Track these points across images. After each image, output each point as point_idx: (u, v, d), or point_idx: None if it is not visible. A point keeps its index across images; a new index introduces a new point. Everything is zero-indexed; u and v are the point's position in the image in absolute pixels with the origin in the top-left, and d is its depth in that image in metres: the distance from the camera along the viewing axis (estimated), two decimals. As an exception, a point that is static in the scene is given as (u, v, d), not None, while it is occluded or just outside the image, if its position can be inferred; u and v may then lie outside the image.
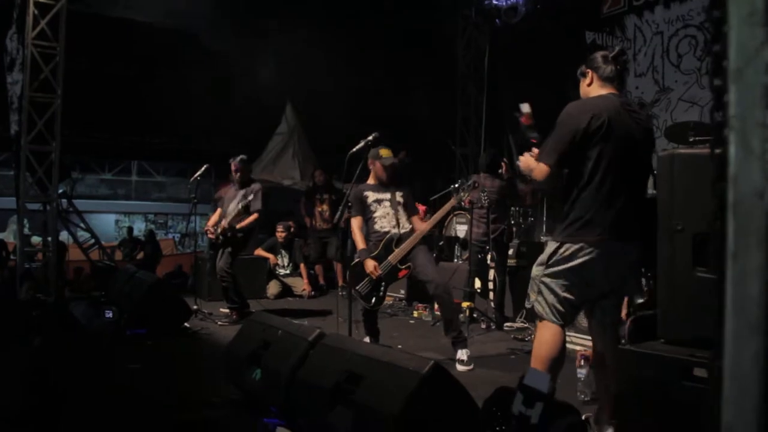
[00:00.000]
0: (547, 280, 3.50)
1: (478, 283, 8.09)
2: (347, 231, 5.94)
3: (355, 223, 5.95)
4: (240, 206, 7.57)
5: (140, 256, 13.52)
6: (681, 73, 9.64)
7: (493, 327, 7.68)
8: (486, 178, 7.68)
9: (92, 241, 10.85)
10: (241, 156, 8.06)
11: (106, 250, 11.75)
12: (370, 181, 6.09)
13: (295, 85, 12.58)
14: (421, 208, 9.27)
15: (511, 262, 8.12)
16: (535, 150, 3.59)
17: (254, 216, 7.76)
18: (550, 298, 3.50)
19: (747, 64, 0.75)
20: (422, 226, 5.90)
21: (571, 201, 3.43)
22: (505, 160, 8.20)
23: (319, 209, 10.77)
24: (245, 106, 12.48)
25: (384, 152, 5.97)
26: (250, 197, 7.63)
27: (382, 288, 5.84)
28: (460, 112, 13.07)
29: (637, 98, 10.27)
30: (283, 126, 13.20)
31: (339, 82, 11.95)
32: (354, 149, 5.38)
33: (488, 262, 7.97)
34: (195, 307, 7.99)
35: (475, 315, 7.80)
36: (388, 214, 5.92)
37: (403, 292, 9.73)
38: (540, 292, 3.53)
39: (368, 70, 12.11)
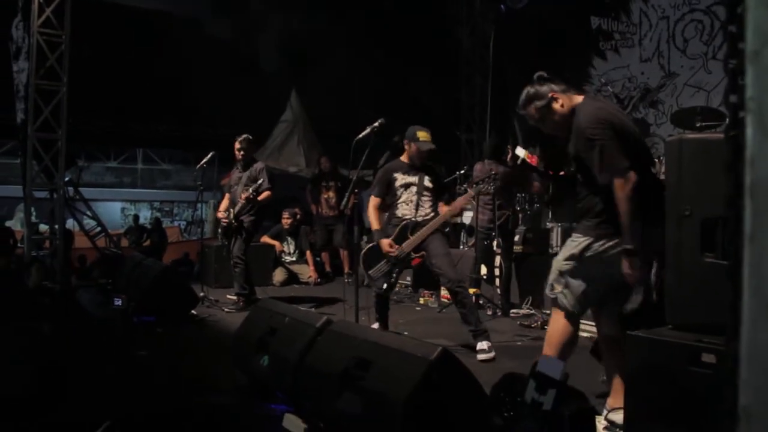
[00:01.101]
0: (578, 273, 3.50)
1: (484, 270, 8.10)
2: (353, 218, 6.26)
3: (373, 203, 5.88)
4: (251, 191, 7.56)
5: (146, 243, 13.56)
6: (687, 58, 9.60)
7: (499, 313, 7.67)
8: (491, 165, 7.60)
9: (98, 228, 10.87)
10: (246, 135, 8.03)
11: (113, 238, 11.76)
12: (403, 159, 5.93)
13: (300, 72, 12.52)
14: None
15: (517, 248, 8.08)
16: None
17: (266, 194, 7.74)
18: (579, 290, 3.50)
19: (764, 46, 0.75)
20: (439, 215, 5.75)
21: (602, 198, 3.41)
22: (509, 146, 8.18)
23: (325, 196, 10.70)
24: (250, 93, 12.41)
25: (422, 135, 5.78)
26: (260, 180, 7.63)
27: (394, 274, 5.77)
28: (464, 98, 13.04)
29: (642, 83, 10.22)
30: (288, 113, 13.15)
31: (342, 68, 11.88)
32: (360, 136, 5.29)
33: (494, 248, 7.93)
34: (202, 294, 7.95)
35: (481, 301, 7.80)
36: (411, 201, 5.75)
37: (409, 279, 9.72)
38: (567, 285, 3.52)
39: (373, 56, 12.08)
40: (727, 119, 0.92)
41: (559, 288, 3.55)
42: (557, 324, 3.56)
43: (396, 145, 10.35)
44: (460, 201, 5.91)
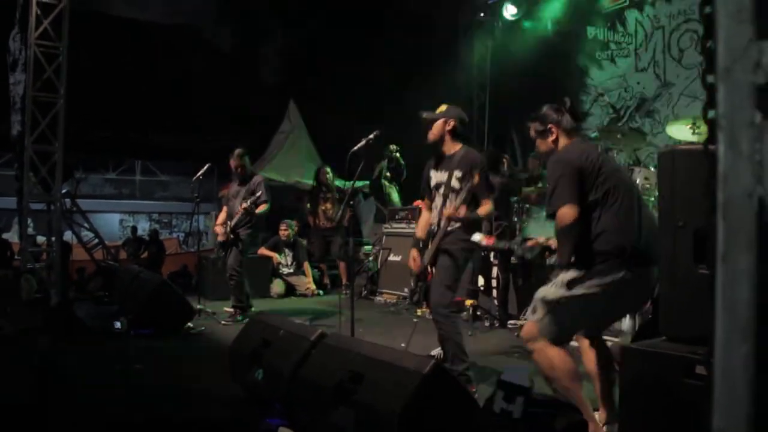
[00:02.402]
0: (570, 302, 3.44)
1: (481, 281, 8.16)
2: (350, 229, 5.95)
3: (423, 206, 5.27)
4: (249, 204, 7.50)
5: (144, 255, 13.52)
6: (682, 68, 9.61)
7: (497, 324, 7.64)
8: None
9: (96, 240, 10.84)
10: (238, 150, 7.92)
11: (110, 250, 11.75)
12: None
13: (298, 83, 12.53)
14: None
15: (514, 259, 7.95)
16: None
17: (263, 206, 7.69)
18: (569, 320, 3.48)
19: (734, 62, 0.74)
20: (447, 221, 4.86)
21: (596, 231, 3.47)
22: (506, 156, 8.18)
23: (323, 208, 10.64)
24: (248, 104, 12.40)
25: (439, 109, 5.07)
26: (258, 193, 7.57)
27: (419, 286, 5.09)
28: (463, 109, 12.99)
29: (638, 93, 10.23)
30: (286, 124, 13.16)
31: (340, 79, 11.88)
32: (355, 148, 5.16)
33: (491, 259, 7.95)
34: (199, 306, 7.94)
35: (478, 312, 7.82)
36: (437, 206, 4.95)
37: (406, 290, 9.70)
38: (552, 312, 3.48)
39: (370, 67, 12.07)
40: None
41: (541, 314, 3.51)
42: (553, 357, 3.45)
43: (390, 157, 10.44)
44: (448, 209, 4.86)
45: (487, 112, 11.24)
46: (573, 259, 3.43)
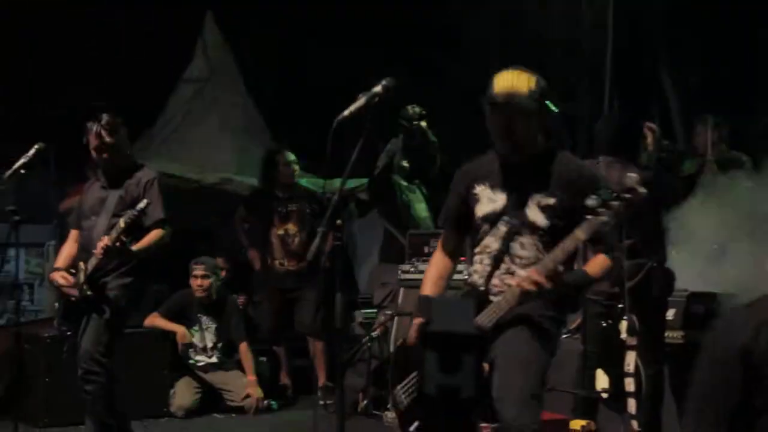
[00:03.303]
0: None
1: (603, 380, 5.56)
2: (332, 274, 3.77)
3: (440, 244, 4.22)
4: (121, 223, 5.18)
5: None
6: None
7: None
8: (613, 165, 5.20)
9: None
10: (106, 116, 5.48)
11: None
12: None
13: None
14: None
15: (672, 335, 5.82)
16: None
17: (155, 234, 5.43)
18: None
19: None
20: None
21: None
22: (650, 124, 5.69)
23: (280, 231, 7.23)
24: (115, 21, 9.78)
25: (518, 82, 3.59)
26: (142, 204, 5.26)
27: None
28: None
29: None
30: (199, 64, 9.25)
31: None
32: (345, 112, 3.45)
33: (622, 335, 5.36)
34: None
35: None
36: (489, 251, 3.69)
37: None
38: None
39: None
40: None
41: None
42: None
43: (409, 129, 7.59)
44: (567, 245, 3.38)
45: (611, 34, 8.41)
46: None
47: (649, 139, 5.54)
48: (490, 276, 3.68)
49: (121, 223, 5.06)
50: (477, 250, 3.76)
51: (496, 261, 3.68)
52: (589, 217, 3.27)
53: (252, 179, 8.14)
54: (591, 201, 3.28)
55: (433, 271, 3.99)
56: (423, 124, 7.36)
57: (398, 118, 7.29)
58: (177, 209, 5.81)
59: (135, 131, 6.89)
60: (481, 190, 3.74)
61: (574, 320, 6.11)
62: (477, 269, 3.75)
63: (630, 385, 5.28)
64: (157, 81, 9.82)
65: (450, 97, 9.38)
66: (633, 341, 5.21)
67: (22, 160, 5.44)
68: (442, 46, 10.63)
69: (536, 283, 3.32)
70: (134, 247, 5.23)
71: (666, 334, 5.63)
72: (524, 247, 3.62)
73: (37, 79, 10.22)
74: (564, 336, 5.98)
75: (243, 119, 9.61)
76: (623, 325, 5.18)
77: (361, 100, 3.60)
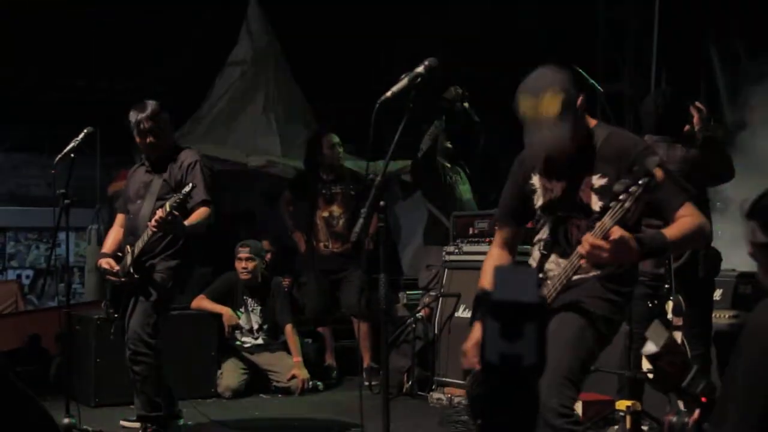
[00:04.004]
0: None
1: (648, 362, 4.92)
2: (380, 257, 3.79)
3: (495, 242, 4.03)
4: (171, 206, 5.06)
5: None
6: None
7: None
8: (659, 141, 5.13)
9: None
10: (152, 103, 5.40)
11: None
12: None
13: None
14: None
15: (720, 315, 5.74)
16: None
17: (203, 211, 5.32)
18: None
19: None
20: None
21: None
22: (696, 102, 5.39)
23: (324, 214, 7.07)
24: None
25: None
26: (187, 188, 5.12)
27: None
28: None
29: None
30: (244, 47, 9.09)
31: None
32: (388, 93, 3.59)
33: (669, 317, 5.14)
34: (66, 420, 5.49)
35: (645, 428, 5.09)
36: (545, 234, 3.63)
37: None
38: None
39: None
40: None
41: None
42: None
43: (453, 110, 7.39)
44: (611, 227, 3.14)
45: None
46: None
47: (696, 119, 5.35)
48: (544, 260, 3.62)
49: (167, 207, 5.06)
50: (535, 239, 3.71)
51: (552, 246, 3.62)
52: (612, 204, 3.13)
53: (297, 162, 8.08)
54: (617, 186, 3.18)
55: (491, 264, 3.87)
56: (466, 104, 7.15)
57: (440, 99, 7.08)
58: (222, 192, 5.86)
59: (181, 116, 6.96)
60: (537, 180, 3.67)
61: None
62: (534, 256, 3.71)
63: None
64: (203, 65, 9.76)
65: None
66: (679, 321, 5.09)
67: (71, 144, 5.50)
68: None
69: (592, 245, 3.17)
70: (185, 222, 5.22)
71: (714, 314, 5.48)
72: (580, 229, 3.52)
73: (85, 63, 10.09)
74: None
75: (288, 102, 9.50)
76: (669, 305, 5.08)
77: (403, 81, 3.64)
